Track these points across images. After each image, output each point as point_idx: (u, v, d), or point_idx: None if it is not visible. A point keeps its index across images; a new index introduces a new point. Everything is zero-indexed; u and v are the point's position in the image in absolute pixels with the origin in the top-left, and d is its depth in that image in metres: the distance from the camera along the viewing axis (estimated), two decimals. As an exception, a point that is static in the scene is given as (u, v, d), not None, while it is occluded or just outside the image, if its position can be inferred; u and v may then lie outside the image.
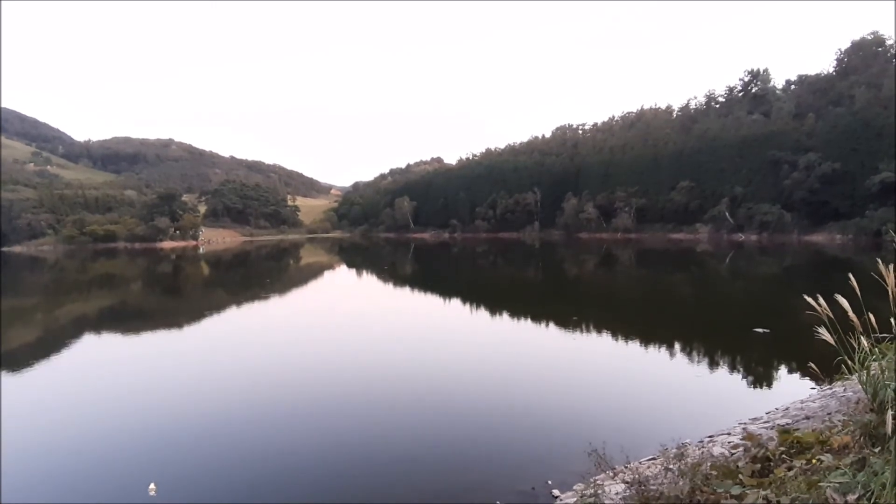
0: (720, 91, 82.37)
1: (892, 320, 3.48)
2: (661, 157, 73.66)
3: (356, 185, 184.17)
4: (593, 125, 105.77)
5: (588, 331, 14.88)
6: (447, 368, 11.16)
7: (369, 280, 34.25)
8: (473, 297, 22.75)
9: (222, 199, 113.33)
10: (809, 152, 55.90)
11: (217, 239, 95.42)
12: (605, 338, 14.26)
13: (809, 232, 54.61)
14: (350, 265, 47.56)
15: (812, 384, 8.08)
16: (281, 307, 22.26)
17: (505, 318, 17.96)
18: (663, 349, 12.35)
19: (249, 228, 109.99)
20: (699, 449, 5.30)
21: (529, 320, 17.18)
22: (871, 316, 3.75)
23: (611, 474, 4.02)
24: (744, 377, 10.10)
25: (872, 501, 2.26)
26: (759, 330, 12.82)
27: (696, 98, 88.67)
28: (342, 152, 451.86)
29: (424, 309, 21.25)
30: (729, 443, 5.44)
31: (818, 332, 3.68)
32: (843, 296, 3.57)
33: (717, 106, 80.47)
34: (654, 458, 5.42)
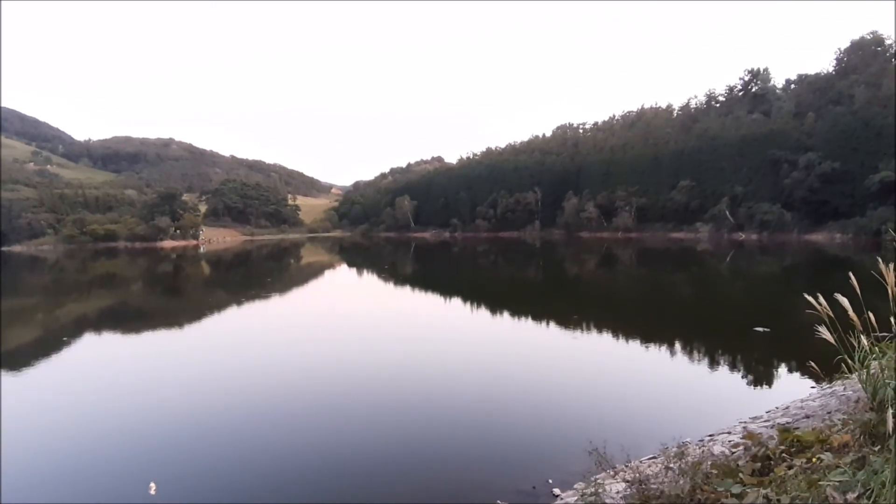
0: (720, 90, 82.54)
1: (891, 319, 3.48)
2: (661, 156, 73.69)
3: (357, 185, 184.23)
4: (594, 124, 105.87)
5: (588, 330, 14.88)
6: (447, 368, 11.16)
7: (370, 279, 34.24)
8: (474, 296, 22.75)
9: (223, 198, 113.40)
10: (809, 151, 55.90)
11: (218, 238, 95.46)
12: (606, 337, 14.26)
13: (809, 231, 54.62)
14: (351, 265, 47.56)
15: (812, 383, 8.08)
16: (281, 307, 22.26)
17: (505, 318, 17.96)
18: (664, 348, 12.35)
19: (250, 228, 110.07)
20: (700, 448, 5.29)
21: (530, 319, 17.18)
22: (871, 315, 3.75)
23: (611, 473, 4.03)
24: (744, 376, 10.10)
25: (872, 500, 2.26)
26: (760, 329, 12.82)
27: (696, 97, 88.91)
28: (342, 152, 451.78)
29: (425, 308, 21.25)
30: (729, 441, 5.44)
31: (818, 331, 3.68)
32: (843, 295, 3.58)
33: (718, 105, 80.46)
34: (654, 457, 5.42)
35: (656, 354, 11.98)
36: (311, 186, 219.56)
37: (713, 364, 10.94)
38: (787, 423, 5.51)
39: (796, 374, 9.47)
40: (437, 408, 8.51)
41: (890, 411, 2.55)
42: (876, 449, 2.82)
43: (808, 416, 5.71)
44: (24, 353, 14.38)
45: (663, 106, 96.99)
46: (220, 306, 22.99)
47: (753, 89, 75.13)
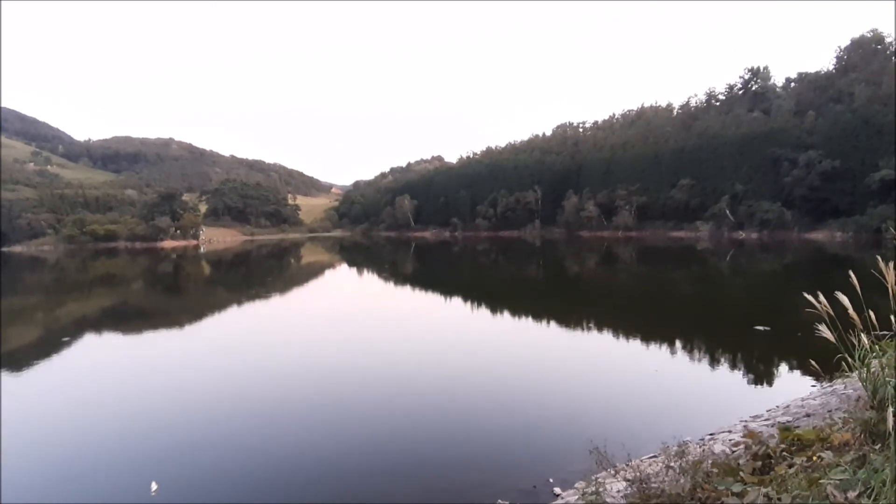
0: (720, 89, 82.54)
1: (892, 317, 3.48)
2: (661, 154, 73.64)
3: (357, 184, 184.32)
4: (594, 123, 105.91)
5: (589, 329, 14.89)
6: (448, 367, 11.16)
7: (370, 279, 34.25)
8: (474, 295, 22.74)
9: (223, 198, 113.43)
10: (810, 150, 55.83)
11: (218, 238, 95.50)
12: (606, 336, 14.26)
13: (810, 229, 54.59)
14: (351, 264, 47.57)
15: (812, 381, 8.08)
16: (282, 306, 22.26)
17: (506, 317, 17.96)
18: (664, 347, 12.34)
19: (250, 227, 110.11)
20: (700, 447, 5.29)
21: (530, 318, 17.17)
22: (872, 313, 3.75)
23: (612, 472, 4.02)
24: (744, 375, 10.09)
25: (873, 498, 2.26)
26: (760, 327, 12.83)
27: (696, 96, 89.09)
28: (342, 151, 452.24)
29: (425, 308, 21.25)
30: (730, 440, 5.44)
31: (818, 330, 3.68)
32: (843, 293, 3.58)
33: (718, 104, 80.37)
34: (655, 456, 5.42)
35: (657, 353, 11.98)
36: (311, 186, 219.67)
37: (714, 363, 10.93)
38: (788, 421, 5.51)
39: (797, 373, 9.46)
40: (437, 407, 8.51)
41: (890, 409, 2.55)
42: (876, 447, 2.82)
43: (808, 415, 5.71)
44: (24, 353, 14.38)
45: (663, 104, 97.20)
46: (220, 306, 23.01)
47: (754, 88, 75.10)
